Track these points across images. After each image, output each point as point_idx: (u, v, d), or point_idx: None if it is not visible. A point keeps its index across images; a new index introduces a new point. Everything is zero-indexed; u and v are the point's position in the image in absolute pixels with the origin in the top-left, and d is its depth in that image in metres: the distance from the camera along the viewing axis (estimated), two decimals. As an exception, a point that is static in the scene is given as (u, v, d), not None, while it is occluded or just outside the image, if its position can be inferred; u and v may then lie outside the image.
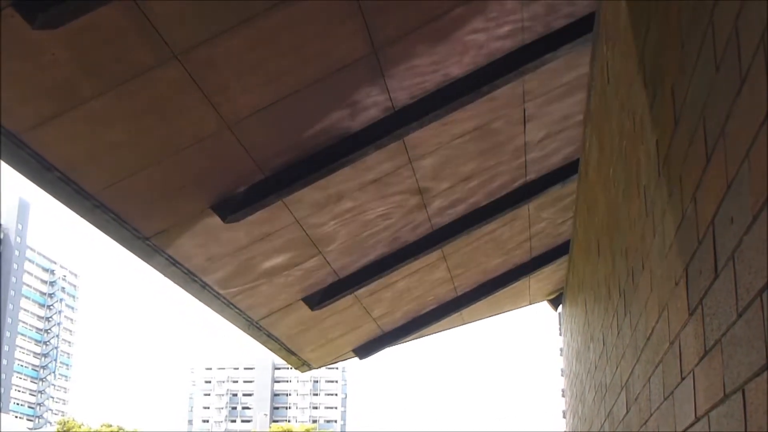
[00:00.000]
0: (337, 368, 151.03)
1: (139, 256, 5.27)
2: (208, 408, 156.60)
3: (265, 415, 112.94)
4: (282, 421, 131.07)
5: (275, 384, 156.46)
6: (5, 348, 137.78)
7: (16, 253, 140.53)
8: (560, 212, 7.87)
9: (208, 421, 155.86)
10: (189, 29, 3.64)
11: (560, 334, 11.53)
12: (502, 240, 8.00)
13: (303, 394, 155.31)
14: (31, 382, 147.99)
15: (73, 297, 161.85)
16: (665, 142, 2.92)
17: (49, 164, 4.06)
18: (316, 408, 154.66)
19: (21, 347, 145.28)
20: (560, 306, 11.40)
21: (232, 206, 5.04)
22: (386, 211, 6.25)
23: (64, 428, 77.09)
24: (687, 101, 2.54)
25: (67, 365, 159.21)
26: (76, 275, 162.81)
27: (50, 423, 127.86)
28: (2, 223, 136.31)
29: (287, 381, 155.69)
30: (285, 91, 4.36)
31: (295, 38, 4.00)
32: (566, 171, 6.85)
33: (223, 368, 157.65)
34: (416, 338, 9.89)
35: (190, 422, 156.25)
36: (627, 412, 4.38)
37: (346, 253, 6.66)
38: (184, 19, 3.57)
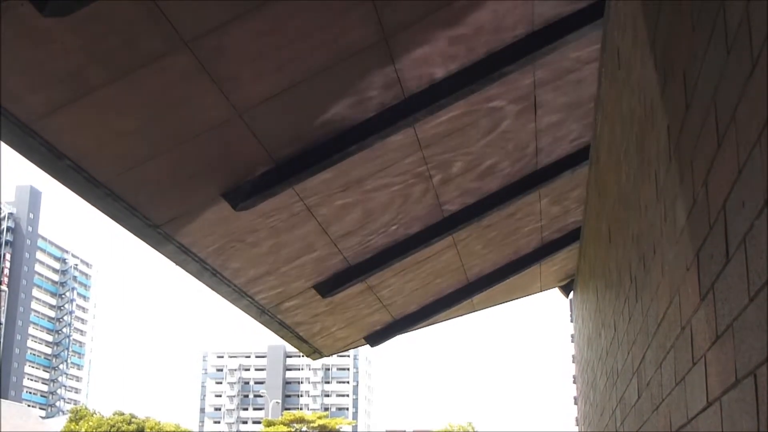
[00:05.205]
0: (348, 356, 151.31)
1: (150, 244, 5.28)
2: (220, 396, 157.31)
3: (277, 402, 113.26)
4: (294, 408, 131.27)
5: (287, 372, 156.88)
6: (17, 337, 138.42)
7: (28, 242, 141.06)
8: (571, 198, 7.85)
9: (220, 409, 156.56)
10: (198, 16, 3.64)
11: (571, 321, 11.53)
12: (513, 226, 8.00)
13: (315, 382, 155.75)
14: (44, 371, 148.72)
15: (86, 286, 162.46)
16: (676, 126, 2.91)
17: (59, 152, 4.06)
18: (327, 396, 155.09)
19: (33, 336, 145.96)
20: (571, 292, 11.39)
21: (243, 194, 5.05)
22: (397, 198, 6.25)
23: (77, 417, 77.39)
24: (698, 85, 2.53)
25: (79, 354, 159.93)
26: (88, 264, 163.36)
27: (63, 411, 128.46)
28: (13, 211, 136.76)
29: (299, 369, 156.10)
30: (295, 79, 4.36)
31: (305, 25, 3.99)
32: (577, 157, 6.83)
33: (235, 356, 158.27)
34: (427, 325, 9.91)
35: (202, 410, 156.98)
36: (638, 397, 4.38)
37: (357, 241, 6.67)
38: (194, 7, 3.56)
